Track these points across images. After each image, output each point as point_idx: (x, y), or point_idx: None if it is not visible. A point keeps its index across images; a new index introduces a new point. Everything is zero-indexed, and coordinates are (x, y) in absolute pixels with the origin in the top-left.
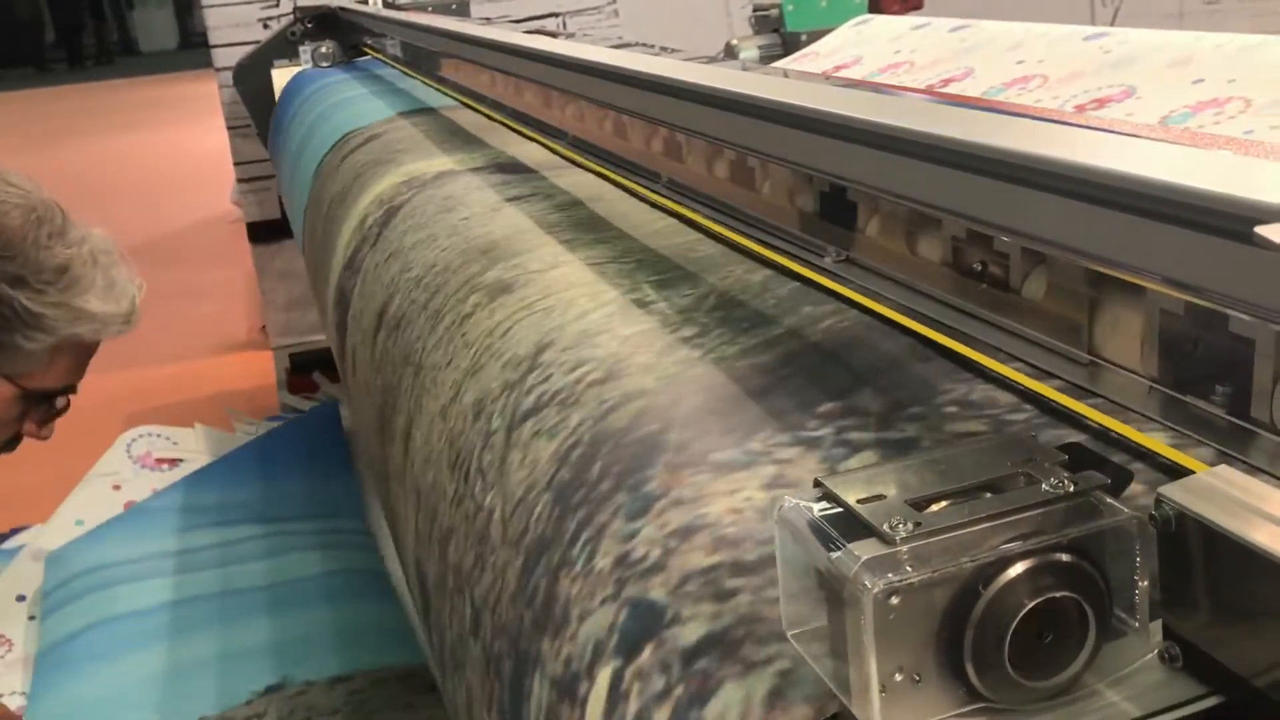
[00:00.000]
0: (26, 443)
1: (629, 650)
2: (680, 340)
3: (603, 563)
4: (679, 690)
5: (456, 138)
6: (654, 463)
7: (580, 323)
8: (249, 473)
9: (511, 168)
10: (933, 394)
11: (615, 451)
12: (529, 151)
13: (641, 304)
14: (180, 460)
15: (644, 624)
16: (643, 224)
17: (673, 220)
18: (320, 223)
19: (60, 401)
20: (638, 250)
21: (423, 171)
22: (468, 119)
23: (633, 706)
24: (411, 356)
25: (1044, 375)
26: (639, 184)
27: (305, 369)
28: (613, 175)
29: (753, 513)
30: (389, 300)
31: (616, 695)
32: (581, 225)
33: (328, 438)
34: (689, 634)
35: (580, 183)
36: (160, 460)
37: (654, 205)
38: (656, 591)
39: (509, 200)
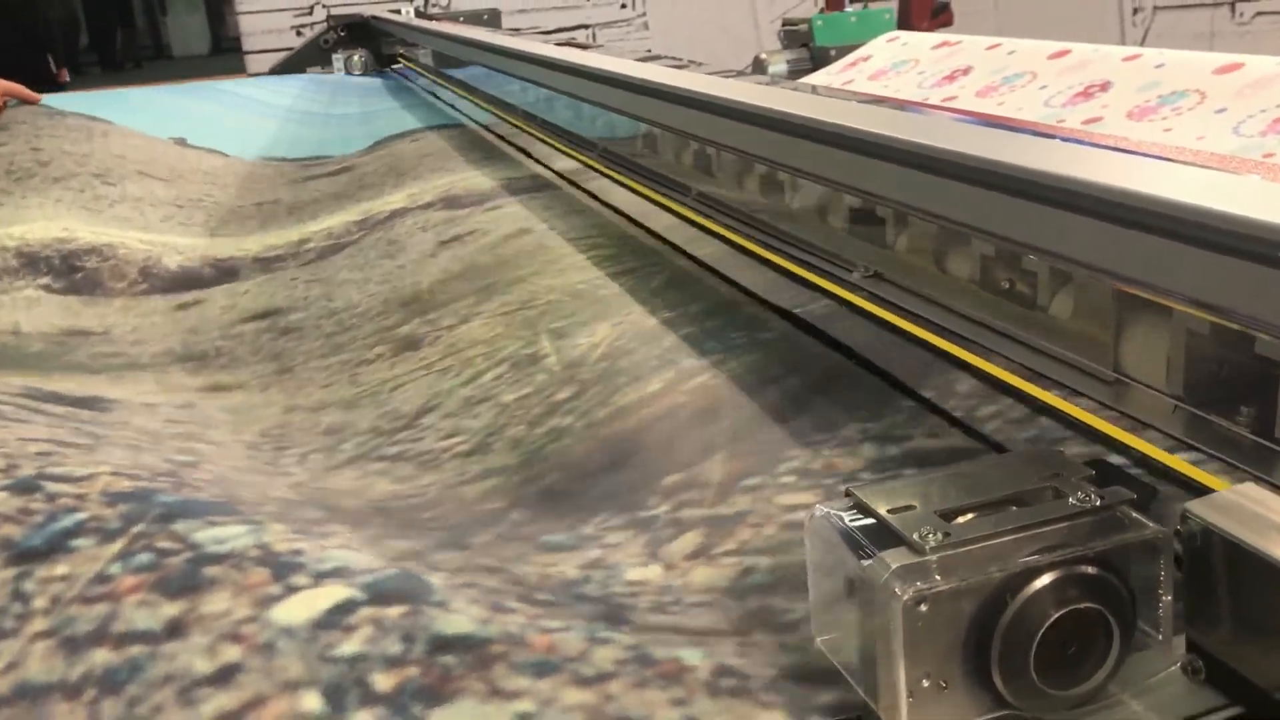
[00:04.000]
0: None
1: None
2: (555, 406)
3: None
4: None
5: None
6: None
7: (467, 389)
8: None
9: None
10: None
11: (456, 510)
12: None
13: (534, 360)
14: None
15: None
16: (565, 256)
17: (603, 249)
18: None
19: None
20: (555, 289)
21: (378, 210)
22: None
23: None
24: (284, 357)
25: (1071, 393)
26: (669, 197)
27: None
28: (640, 187)
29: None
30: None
31: None
32: (506, 263)
33: None
34: None
35: (518, 214)
36: None
37: (685, 219)
38: None
39: (445, 243)
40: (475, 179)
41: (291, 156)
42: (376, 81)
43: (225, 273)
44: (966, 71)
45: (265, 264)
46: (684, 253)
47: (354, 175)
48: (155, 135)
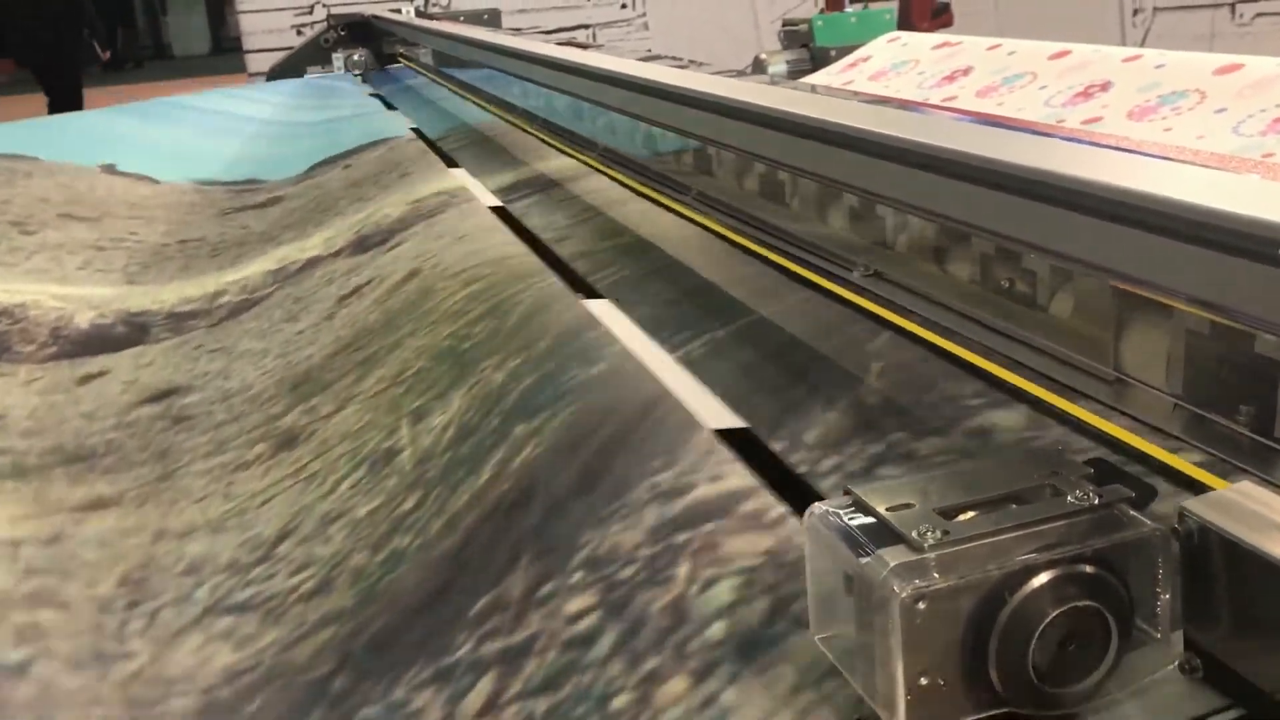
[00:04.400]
0: None
1: None
2: (398, 522)
3: None
4: None
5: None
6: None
7: (327, 501)
8: None
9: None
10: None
11: (281, 693)
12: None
13: (389, 457)
14: None
15: None
16: (442, 302)
17: (480, 281)
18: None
19: None
20: (425, 352)
21: (294, 258)
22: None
23: None
24: (170, 456)
25: (1071, 391)
26: (668, 196)
27: None
28: (640, 186)
29: None
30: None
31: None
32: (391, 322)
33: None
34: None
35: (412, 252)
36: None
37: (683, 217)
38: None
39: (344, 299)
40: (391, 207)
41: (225, 180)
42: (346, 85)
43: (137, 330)
44: (967, 72)
45: (177, 321)
46: (565, 271)
47: (281, 210)
48: (84, 164)
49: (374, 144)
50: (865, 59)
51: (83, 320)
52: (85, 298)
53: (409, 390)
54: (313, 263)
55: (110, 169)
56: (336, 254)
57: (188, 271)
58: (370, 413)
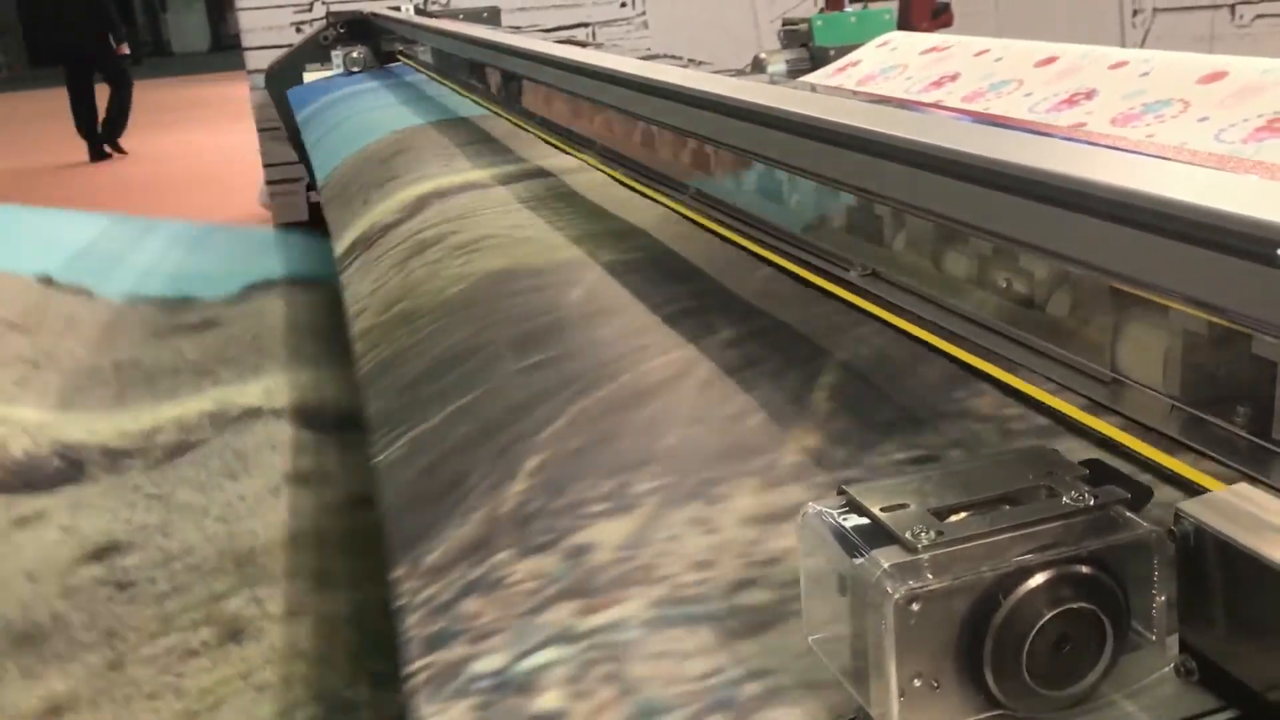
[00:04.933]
0: None
1: None
2: None
3: None
4: None
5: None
6: None
7: None
8: None
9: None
10: None
11: None
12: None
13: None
14: None
15: None
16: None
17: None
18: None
19: None
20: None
21: (232, 402)
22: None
23: None
24: (116, 639)
25: (1067, 391)
26: (666, 194)
27: None
28: (638, 185)
29: None
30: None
31: None
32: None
33: None
34: None
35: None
36: None
37: (681, 215)
38: None
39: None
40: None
41: (161, 294)
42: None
43: (72, 466)
44: (954, 78)
45: (113, 459)
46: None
47: (217, 336)
48: (20, 273)
49: (301, 281)
50: (855, 63)
51: (17, 448)
52: (19, 420)
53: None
54: (250, 414)
55: (47, 281)
56: (277, 414)
57: (123, 399)
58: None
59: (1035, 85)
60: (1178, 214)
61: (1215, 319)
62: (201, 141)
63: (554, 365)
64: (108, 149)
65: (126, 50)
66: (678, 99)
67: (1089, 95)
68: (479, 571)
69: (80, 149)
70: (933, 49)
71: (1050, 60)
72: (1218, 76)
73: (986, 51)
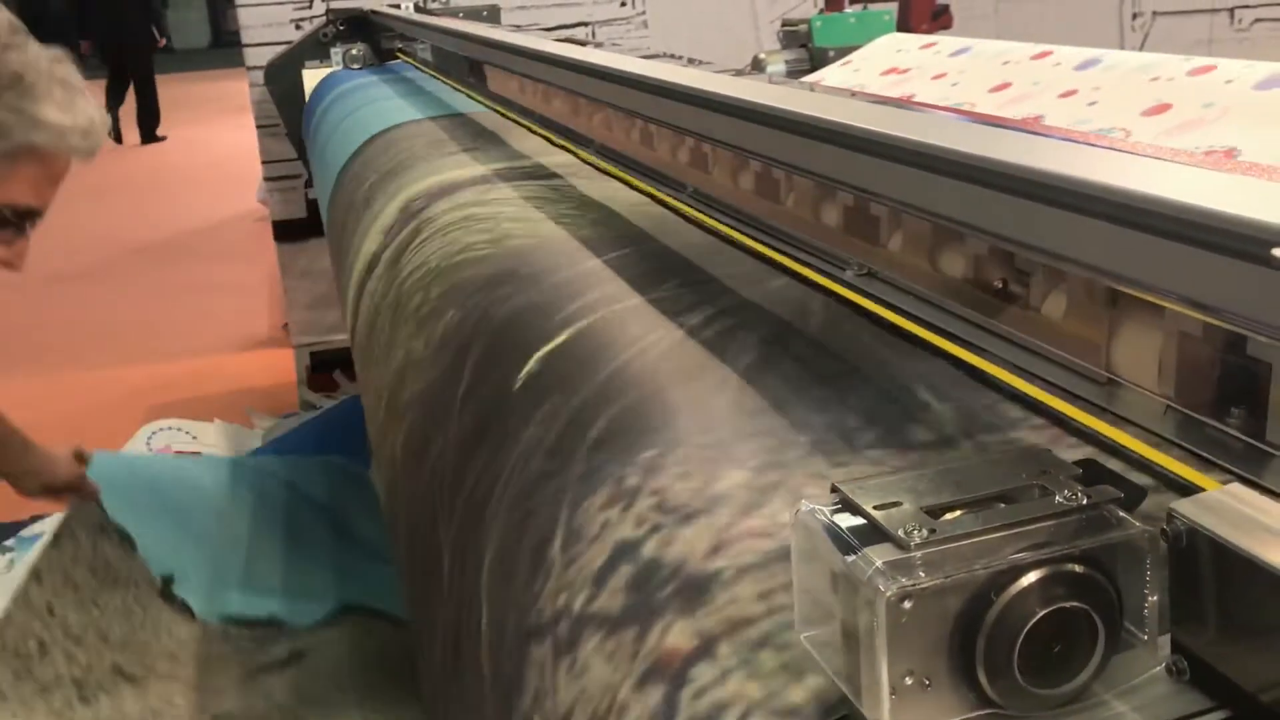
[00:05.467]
0: (48, 434)
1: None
2: None
3: None
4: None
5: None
6: None
7: None
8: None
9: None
10: None
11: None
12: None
13: None
14: (199, 454)
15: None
16: None
17: None
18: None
19: (28, 225)
20: None
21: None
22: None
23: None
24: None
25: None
26: (665, 193)
27: (326, 367)
28: (638, 183)
29: None
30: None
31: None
32: None
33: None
34: None
35: None
36: (179, 454)
37: (682, 215)
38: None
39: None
40: None
41: (248, 616)
42: None
43: None
44: (909, 99)
45: None
46: None
47: (305, 674)
48: None
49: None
50: (817, 83)
51: None
52: None
53: None
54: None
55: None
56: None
57: None
58: None
59: (988, 109)
60: (1173, 214)
61: (1211, 319)
62: (202, 137)
63: None
64: (157, 133)
65: (164, 42)
66: (675, 97)
67: (1036, 120)
68: None
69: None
70: (891, 70)
71: (1004, 87)
72: (1162, 109)
73: (944, 75)
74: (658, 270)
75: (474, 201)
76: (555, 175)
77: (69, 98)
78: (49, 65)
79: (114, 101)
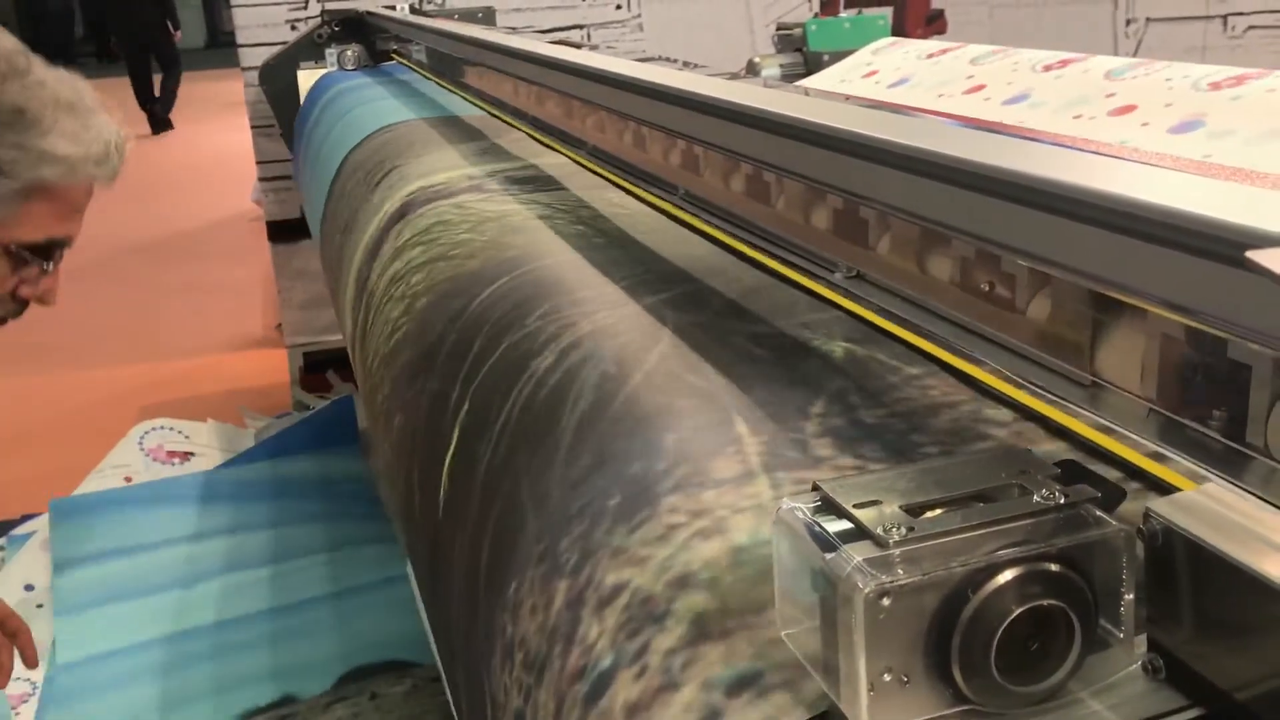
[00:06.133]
0: (40, 433)
1: None
2: None
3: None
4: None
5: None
6: None
7: None
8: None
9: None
10: None
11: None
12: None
13: None
14: (191, 454)
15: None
16: None
17: None
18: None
19: (52, 258)
20: None
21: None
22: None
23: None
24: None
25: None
26: (657, 195)
27: (319, 368)
28: (630, 186)
29: None
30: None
31: None
32: None
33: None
34: None
35: None
36: (171, 454)
37: (672, 218)
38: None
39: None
40: None
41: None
42: None
43: None
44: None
45: None
46: None
47: None
48: None
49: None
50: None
51: None
52: None
53: None
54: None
55: None
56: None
57: None
58: None
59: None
60: (1151, 217)
61: (1188, 322)
62: (197, 137)
63: None
64: (167, 120)
65: (180, 36)
66: (667, 100)
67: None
68: None
69: (140, 123)
70: (872, 72)
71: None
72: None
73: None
74: (658, 276)
75: (468, 202)
76: (548, 177)
77: (80, 124)
78: (55, 91)
79: (144, 98)
